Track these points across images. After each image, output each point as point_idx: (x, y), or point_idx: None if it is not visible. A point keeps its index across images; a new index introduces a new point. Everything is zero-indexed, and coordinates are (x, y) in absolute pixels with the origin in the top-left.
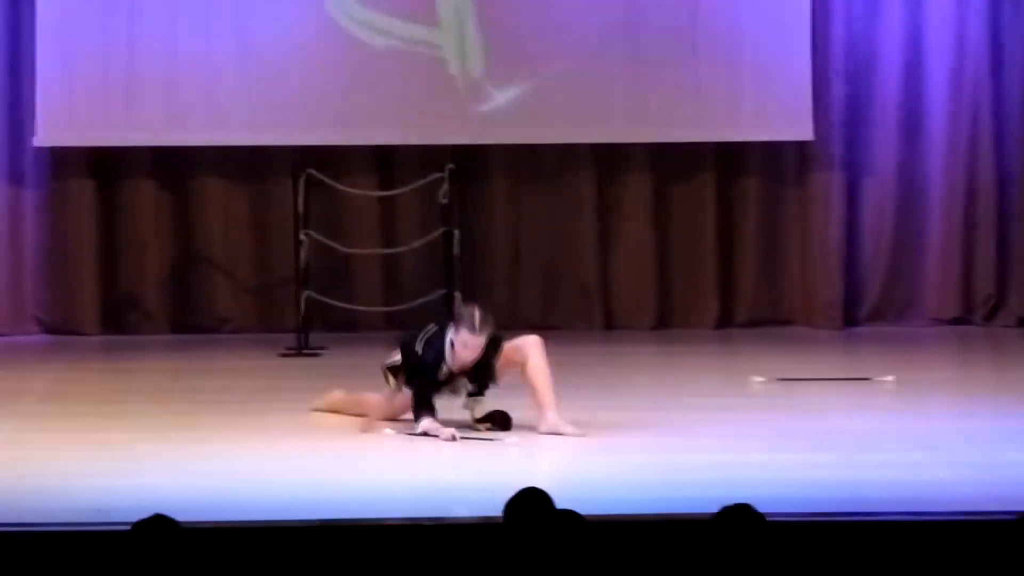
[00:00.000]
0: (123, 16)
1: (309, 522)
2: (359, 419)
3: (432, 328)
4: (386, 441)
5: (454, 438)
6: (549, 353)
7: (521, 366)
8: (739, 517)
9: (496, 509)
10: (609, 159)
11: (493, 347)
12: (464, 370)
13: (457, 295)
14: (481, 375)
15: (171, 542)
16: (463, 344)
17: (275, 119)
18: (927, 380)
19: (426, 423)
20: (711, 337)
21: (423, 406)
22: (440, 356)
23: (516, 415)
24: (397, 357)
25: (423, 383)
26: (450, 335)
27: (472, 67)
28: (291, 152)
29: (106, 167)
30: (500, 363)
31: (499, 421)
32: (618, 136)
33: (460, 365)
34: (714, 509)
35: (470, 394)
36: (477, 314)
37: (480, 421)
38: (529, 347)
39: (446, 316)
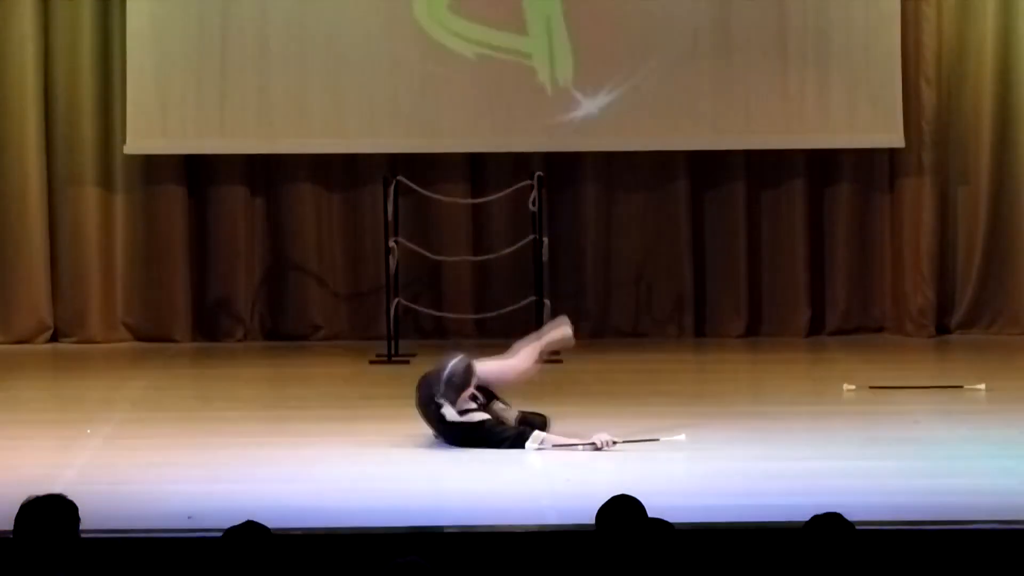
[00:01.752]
0: (215, 25)
1: (400, 529)
2: None
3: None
4: (480, 449)
5: (612, 443)
6: (641, 360)
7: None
8: (830, 526)
9: (587, 517)
10: (701, 166)
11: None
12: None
13: (547, 303)
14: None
15: (263, 549)
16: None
17: (366, 127)
18: (1019, 388)
19: (538, 438)
20: (802, 345)
21: (515, 435)
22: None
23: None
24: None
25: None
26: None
27: (561, 75)
28: (382, 159)
29: (198, 173)
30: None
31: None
32: (707, 144)
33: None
34: (805, 517)
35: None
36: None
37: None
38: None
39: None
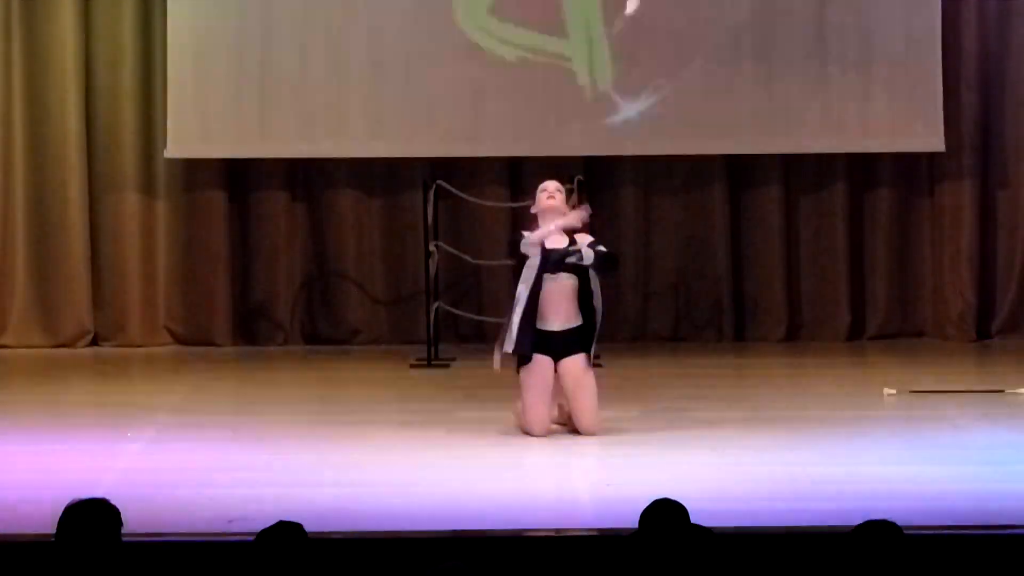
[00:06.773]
0: (255, 28)
1: (441, 533)
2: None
3: None
4: (521, 452)
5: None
6: (681, 364)
7: None
8: (878, 531)
9: (629, 521)
10: (740, 170)
11: None
12: None
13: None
14: None
15: (297, 548)
16: None
17: (405, 131)
18: None
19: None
20: (842, 349)
21: None
22: None
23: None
24: None
25: None
26: None
27: (601, 79)
28: (421, 164)
29: (239, 179)
30: None
31: None
32: (747, 147)
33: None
34: (845, 522)
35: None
36: None
37: None
38: None
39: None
